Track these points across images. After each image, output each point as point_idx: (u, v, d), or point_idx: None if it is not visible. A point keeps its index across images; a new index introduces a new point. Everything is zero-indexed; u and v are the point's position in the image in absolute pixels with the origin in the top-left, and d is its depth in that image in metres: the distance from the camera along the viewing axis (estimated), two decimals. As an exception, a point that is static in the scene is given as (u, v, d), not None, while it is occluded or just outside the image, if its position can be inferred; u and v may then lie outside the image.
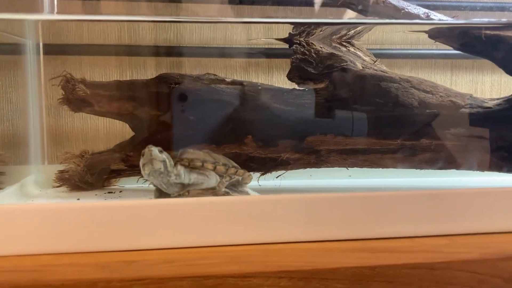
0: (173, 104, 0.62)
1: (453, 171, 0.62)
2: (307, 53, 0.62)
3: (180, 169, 0.52)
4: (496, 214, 0.49)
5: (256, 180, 0.64)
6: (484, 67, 0.90)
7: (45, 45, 0.70)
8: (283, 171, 0.64)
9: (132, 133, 0.66)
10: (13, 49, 0.66)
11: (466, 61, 0.90)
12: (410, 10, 0.56)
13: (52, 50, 0.72)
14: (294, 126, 0.62)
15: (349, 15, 0.59)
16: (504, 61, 0.62)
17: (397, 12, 0.56)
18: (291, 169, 0.63)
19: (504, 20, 0.64)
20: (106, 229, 0.44)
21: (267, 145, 0.62)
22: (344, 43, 0.65)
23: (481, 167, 0.62)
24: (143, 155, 0.51)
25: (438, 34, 0.60)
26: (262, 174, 0.64)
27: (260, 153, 0.62)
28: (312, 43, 0.62)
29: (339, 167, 0.63)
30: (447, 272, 0.43)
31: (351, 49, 0.65)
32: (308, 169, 0.63)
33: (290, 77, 0.64)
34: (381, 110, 0.61)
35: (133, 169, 0.64)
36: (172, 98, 0.63)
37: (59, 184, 0.64)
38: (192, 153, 0.55)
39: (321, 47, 0.62)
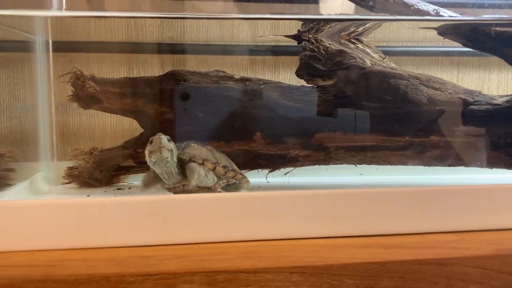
0: (182, 100, 0.63)
1: (462, 168, 0.62)
2: (316, 50, 0.62)
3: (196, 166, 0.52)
4: (506, 211, 0.49)
5: (265, 177, 0.65)
6: (491, 65, 0.90)
7: (53, 42, 0.70)
8: (292, 168, 0.64)
9: (140, 130, 0.66)
10: (23, 46, 0.66)
11: (473, 58, 0.90)
12: (420, 7, 0.56)
13: (60, 47, 0.72)
14: (303, 123, 0.63)
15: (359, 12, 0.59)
16: (514, 58, 0.62)
17: (407, 9, 0.56)
18: (300, 166, 0.63)
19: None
20: (119, 225, 0.44)
21: (276, 142, 0.62)
22: (353, 40, 0.65)
23: (490, 164, 0.62)
24: (151, 142, 0.50)
25: (448, 31, 0.60)
26: (271, 171, 0.64)
27: (268, 150, 0.62)
28: (321, 40, 0.62)
29: (347, 164, 0.63)
30: (457, 268, 0.43)
31: (360, 46, 0.65)
32: (320, 166, 0.63)
33: (299, 74, 0.64)
34: (390, 107, 0.61)
35: (142, 166, 0.64)
36: (181, 95, 0.63)
37: (68, 181, 0.65)
38: (195, 149, 0.54)
39: (330, 44, 0.62)
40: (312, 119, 0.62)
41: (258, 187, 0.64)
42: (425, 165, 0.61)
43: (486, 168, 0.62)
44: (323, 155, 0.62)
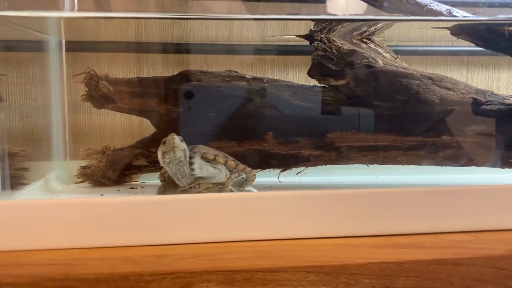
0: (195, 100, 0.63)
1: (475, 168, 0.62)
2: (328, 49, 0.62)
3: (200, 160, 0.52)
4: (520, 211, 0.49)
5: (277, 177, 0.65)
6: (500, 64, 0.90)
7: (66, 42, 0.70)
8: (304, 168, 0.64)
9: (152, 129, 0.66)
10: (36, 46, 0.66)
11: (482, 58, 0.90)
12: (433, 7, 0.56)
13: (72, 47, 0.72)
14: (315, 122, 0.63)
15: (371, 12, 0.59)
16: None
17: (420, 9, 0.56)
18: (312, 165, 0.63)
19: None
20: (135, 224, 0.44)
21: (288, 142, 0.62)
22: (365, 40, 0.65)
23: (503, 164, 0.62)
24: (164, 143, 0.51)
25: (461, 30, 0.60)
26: (282, 171, 0.64)
27: (280, 149, 0.63)
28: (333, 40, 0.62)
29: (359, 163, 0.63)
30: (473, 268, 0.44)
31: (372, 45, 0.65)
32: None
33: (311, 73, 0.64)
34: (403, 107, 0.61)
35: (154, 165, 0.65)
36: (193, 95, 0.63)
37: (81, 180, 0.65)
38: (204, 147, 0.55)
39: (342, 43, 0.62)
40: (324, 119, 0.63)
41: (270, 187, 0.64)
42: (437, 165, 0.62)
43: (499, 168, 0.62)
44: (335, 154, 0.62)
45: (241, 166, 0.56)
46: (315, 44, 0.63)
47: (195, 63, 0.81)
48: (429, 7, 0.56)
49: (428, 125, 0.61)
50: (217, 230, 0.45)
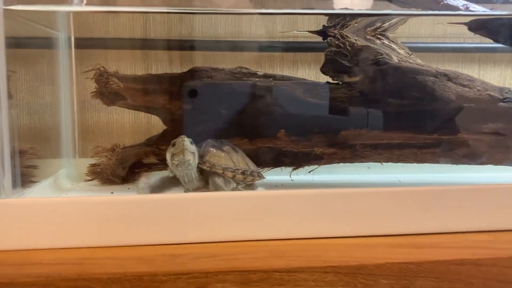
0: (205, 97, 0.62)
1: (491, 166, 0.61)
2: (342, 45, 0.61)
3: (217, 180, 0.52)
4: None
5: (288, 175, 0.64)
6: (512, 61, 0.88)
7: (76, 39, 0.70)
8: (316, 166, 0.63)
9: (159, 127, 0.66)
10: (46, 43, 0.66)
11: (494, 55, 0.89)
12: (449, 2, 0.55)
13: (81, 43, 0.72)
14: (328, 120, 0.62)
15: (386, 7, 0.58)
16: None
17: (437, 4, 0.55)
18: (325, 164, 0.62)
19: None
20: (147, 223, 0.43)
21: (300, 140, 0.61)
22: (379, 36, 0.64)
23: (522, 162, 0.60)
24: (173, 145, 0.51)
25: (479, 26, 0.59)
26: (295, 169, 0.63)
27: (293, 147, 0.61)
28: (346, 36, 0.61)
29: (373, 161, 0.62)
30: (493, 268, 0.43)
31: (386, 41, 0.64)
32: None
33: (324, 70, 0.63)
34: (418, 104, 0.60)
35: (164, 163, 0.63)
36: (204, 92, 0.62)
37: (91, 178, 0.64)
38: (214, 155, 0.54)
39: (356, 39, 0.61)
40: (337, 116, 0.61)
41: (281, 185, 0.63)
42: (454, 164, 0.60)
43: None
44: (349, 152, 0.61)
45: (250, 178, 0.55)
46: (328, 40, 0.62)
47: (203, 59, 0.80)
48: (445, 2, 0.55)
49: (444, 123, 0.59)
50: (232, 229, 0.44)
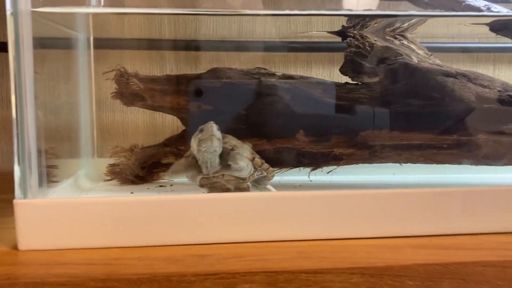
0: (225, 98, 0.62)
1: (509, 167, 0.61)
2: (361, 46, 0.61)
3: (246, 161, 0.52)
4: None
5: (307, 175, 0.64)
6: (528, 61, 0.88)
7: (94, 39, 0.70)
8: (335, 167, 0.63)
9: (174, 127, 0.66)
10: (66, 43, 0.66)
11: (509, 54, 0.88)
12: (470, 3, 0.55)
13: (99, 44, 0.72)
14: (347, 120, 0.62)
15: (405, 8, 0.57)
16: None
17: (458, 5, 0.54)
18: (344, 164, 0.62)
19: None
20: (173, 223, 0.44)
21: (319, 140, 0.61)
22: (398, 36, 0.64)
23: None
24: (201, 131, 0.51)
25: (501, 26, 0.58)
26: (313, 170, 0.63)
27: (311, 148, 0.62)
28: (366, 36, 0.61)
29: (393, 162, 0.62)
30: (520, 270, 0.42)
31: (405, 42, 0.64)
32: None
33: (344, 70, 0.63)
34: (438, 104, 0.60)
35: (183, 164, 0.64)
36: (223, 92, 0.62)
37: (110, 178, 0.65)
38: (231, 138, 0.54)
39: (375, 40, 0.61)
40: (356, 117, 0.61)
41: (300, 186, 0.63)
42: (475, 164, 0.60)
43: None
44: (368, 153, 0.61)
45: (266, 165, 0.56)
46: (348, 40, 0.62)
47: (217, 60, 0.80)
48: (467, 3, 0.55)
49: (464, 123, 0.59)
50: (259, 230, 0.44)
